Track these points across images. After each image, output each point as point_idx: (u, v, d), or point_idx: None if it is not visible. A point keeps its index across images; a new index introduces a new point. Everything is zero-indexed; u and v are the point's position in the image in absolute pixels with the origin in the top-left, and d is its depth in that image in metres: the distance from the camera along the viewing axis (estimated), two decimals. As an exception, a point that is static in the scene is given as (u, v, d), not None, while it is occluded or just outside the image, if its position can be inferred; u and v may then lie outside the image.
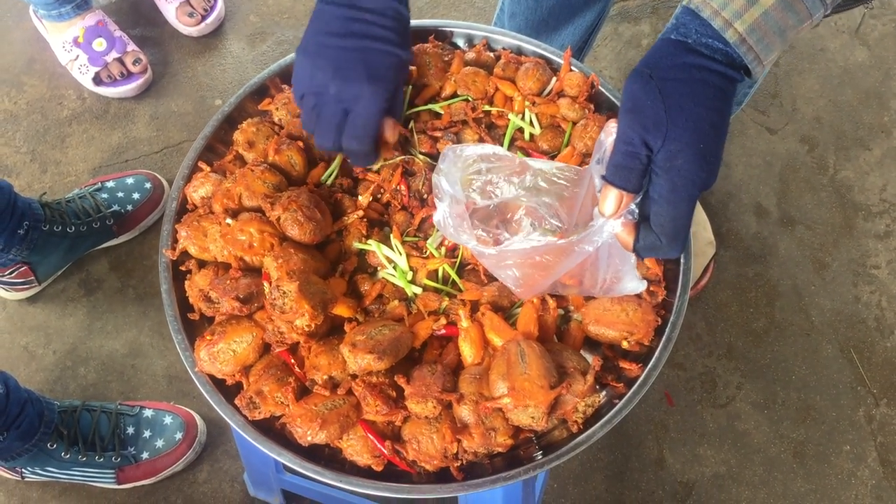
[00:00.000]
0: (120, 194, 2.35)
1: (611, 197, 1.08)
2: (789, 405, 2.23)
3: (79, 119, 2.59)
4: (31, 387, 2.08)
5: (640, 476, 2.14)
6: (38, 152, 2.54)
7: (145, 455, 2.06)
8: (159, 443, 2.07)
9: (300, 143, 1.44)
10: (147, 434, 2.08)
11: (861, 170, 2.54)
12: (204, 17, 2.70)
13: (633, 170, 1.06)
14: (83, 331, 2.29)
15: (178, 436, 2.09)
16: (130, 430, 2.07)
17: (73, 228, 2.24)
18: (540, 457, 1.26)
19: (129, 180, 2.39)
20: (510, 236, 1.27)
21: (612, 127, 1.14)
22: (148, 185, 2.39)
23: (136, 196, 2.36)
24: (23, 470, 2.01)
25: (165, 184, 2.44)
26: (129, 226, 2.37)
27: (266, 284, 1.29)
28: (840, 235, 2.44)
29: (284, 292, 1.21)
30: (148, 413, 2.11)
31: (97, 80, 2.58)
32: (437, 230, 1.42)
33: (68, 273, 2.36)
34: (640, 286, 1.29)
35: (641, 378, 1.29)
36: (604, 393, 1.33)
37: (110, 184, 2.37)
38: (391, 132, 1.31)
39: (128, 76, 2.58)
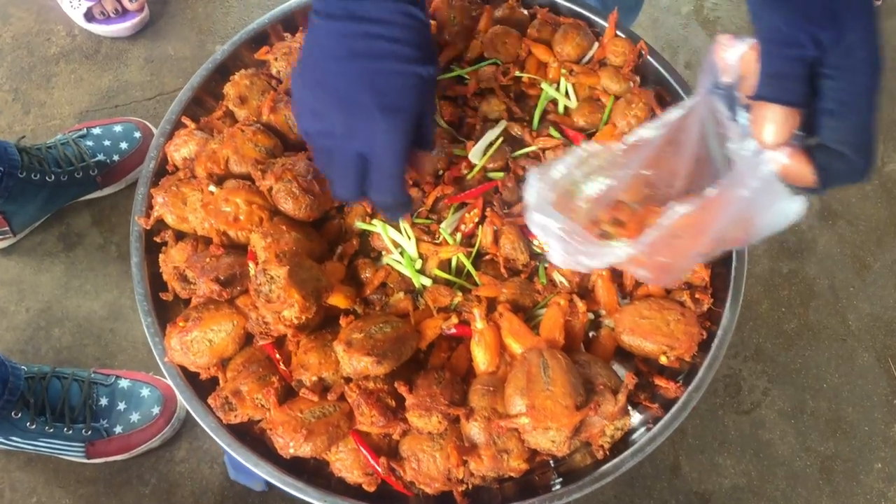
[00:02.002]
0: (106, 143, 2.16)
1: (773, 117, 0.82)
2: (818, 416, 2.06)
3: (67, 58, 2.39)
4: (0, 347, 1.91)
5: (653, 483, 1.97)
6: (22, 91, 2.34)
7: (118, 429, 1.90)
8: (134, 417, 1.90)
9: (301, 102, 1.24)
10: (122, 406, 1.91)
11: (912, 163, 2.35)
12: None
13: (797, 77, 0.81)
14: (60, 288, 2.12)
15: (156, 410, 1.92)
16: (104, 401, 1.90)
17: (53, 177, 2.05)
18: (559, 486, 1.09)
19: (118, 128, 2.19)
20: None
21: (727, 41, 0.89)
22: (137, 135, 2.20)
23: (123, 146, 2.17)
24: (-15, 438, 1.85)
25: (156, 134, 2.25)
26: (115, 177, 2.18)
27: (252, 266, 1.10)
28: (885, 233, 2.25)
29: (272, 277, 1.03)
30: (124, 384, 1.94)
31: (89, 15, 2.38)
32: (453, 212, 1.23)
33: (46, 225, 2.18)
34: (798, 205, 0.92)
35: (682, 401, 1.11)
36: (635, 414, 1.15)
37: (97, 130, 2.18)
38: (425, 168, 1.09)
39: (122, 14, 2.38)
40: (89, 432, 1.87)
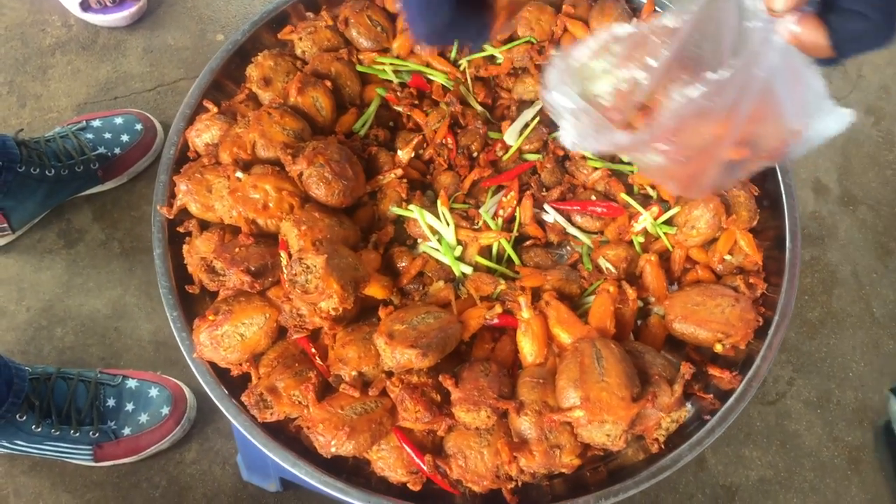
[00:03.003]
0: (107, 135, 2.09)
1: None
2: (845, 405, 2.02)
3: (63, 48, 2.32)
4: (1, 348, 1.84)
5: (679, 477, 1.92)
6: (17, 83, 2.26)
7: (127, 431, 1.83)
8: (143, 418, 1.84)
9: (328, 83, 1.19)
10: (130, 407, 1.85)
11: (932, 147, 2.31)
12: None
13: None
14: (61, 287, 2.04)
15: (165, 410, 1.85)
16: (111, 402, 1.84)
17: (53, 171, 1.98)
18: (610, 483, 1.03)
19: (118, 120, 2.12)
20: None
21: None
22: (138, 127, 2.13)
23: (124, 138, 2.10)
24: (-12, 442, 1.78)
25: (158, 126, 2.18)
26: (117, 171, 2.11)
27: (283, 255, 1.04)
28: (906, 219, 2.22)
29: (308, 267, 0.97)
30: (131, 383, 1.87)
31: (85, 5, 2.30)
32: (491, 195, 1.18)
33: (46, 221, 2.10)
34: (844, 117, 0.88)
35: (739, 391, 1.06)
36: (689, 406, 1.10)
37: (96, 123, 2.11)
38: None
39: (119, 3, 2.30)
40: (97, 434, 1.80)
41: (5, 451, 1.81)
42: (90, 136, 2.07)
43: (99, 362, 1.97)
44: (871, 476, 1.95)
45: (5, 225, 2.01)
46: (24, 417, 1.74)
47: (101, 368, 1.90)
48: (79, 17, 2.34)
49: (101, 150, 2.06)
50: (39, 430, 1.76)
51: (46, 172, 1.97)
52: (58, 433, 1.77)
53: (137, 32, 2.35)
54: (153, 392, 1.87)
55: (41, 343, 1.99)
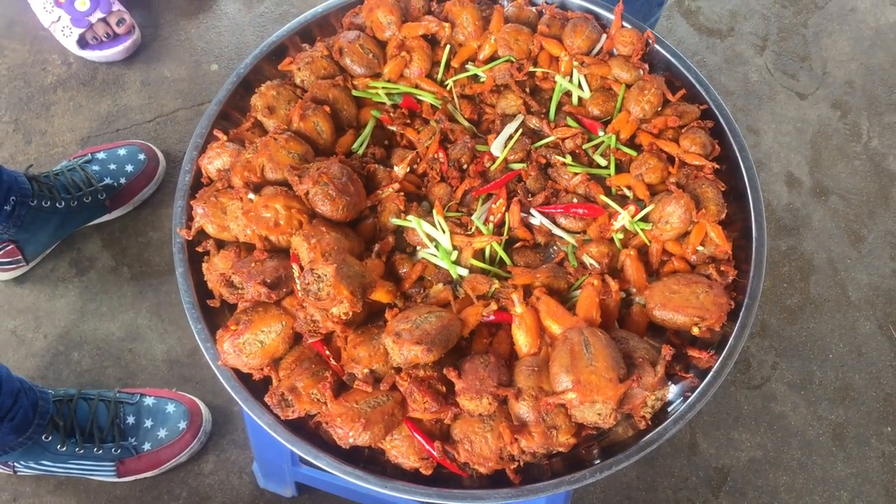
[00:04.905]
0: (112, 166, 2.18)
1: None
2: (827, 385, 2.12)
3: (64, 85, 2.42)
4: (21, 374, 1.93)
5: (673, 462, 2.03)
6: (22, 121, 2.36)
7: (147, 446, 1.92)
8: (162, 433, 1.93)
9: (326, 108, 1.29)
10: (149, 423, 1.94)
11: (896, 137, 2.43)
12: (197, -22, 2.52)
13: None
14: (75, 313, 2.14)
15: (182, 425, 1.95)
16: (131, 419, 1.93)
17: (63, 203, 2.07)
18: (603, 458, 1.13)
19: (122, 151, 2.22)
20: None
21: None
22: (142, 157, 2.23)
23: (129, 168, 2.20)
24: (15, 464, 1.87)
25: (160, 155, 2.28)
26: (123, 200, 2.21)
27: (296, 267, 1.14)
28: (876, 206, 2.33)
29: (320, 276, 1.07)
30: (149, 401, 1.96)
31: (82, 42, 2.40)
32: (481, 203, 1.28)
33: (58, 251, 2.20)
34: None
35: (715, 368, 1.17)
36: (671, 384, 1.20)
37: (101, 155, 2.21)
38: None
39: (114, 37, 2.40)
40: (119, 451, 1.89)
41: (32, 471, 1.90)
42: (96, 167, 2.17)
43: (116, 383, 2.06)
44: (855, 451, 2.06)
45: (20, 257, 2.10)
46: (50, 438, 1.83)
47: (119, 388, 1.99)
48: (77, 54, 2.44)
49: (108, 180, 2.16)
50: (64, 449, 1.85)
51: (57, 205, 2.06)
52: (82, 451, 1.86)
53: (134, 66, 2.45)
54: (170, 408, 1.96)
55: (60, 368, 2.08)
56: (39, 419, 1.80)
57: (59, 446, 1.84)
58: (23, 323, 2.12)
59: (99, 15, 2.38)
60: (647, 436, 1.13)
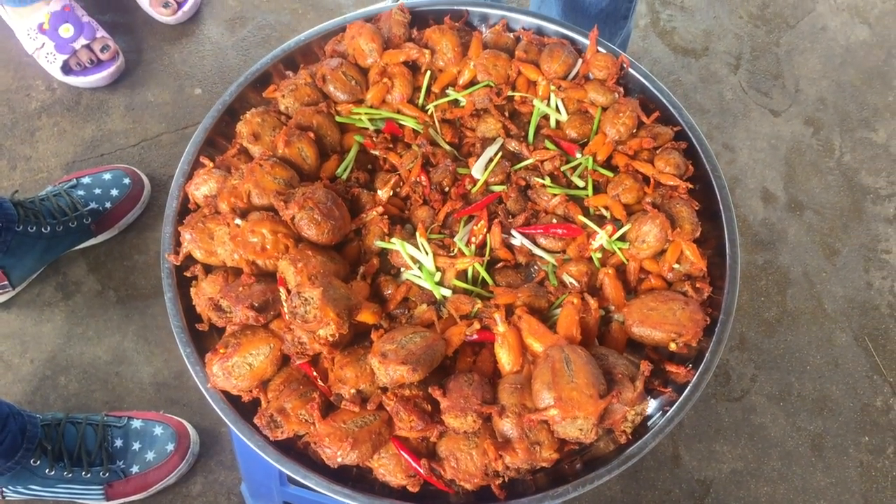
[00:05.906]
0: (97, 191, 2.20)
1: None
2: (805, 396, 2.17)
3: (49, 111, 2.43)
4: (9, 399, 1.94)
5: (656, 475, 2.06)
6: (6, 147, 2.38)
7: (135, 469, 1.93)
8: (150, 455, 1.94)
9: (311, 134, 1.32)
10: (136, 446, 1.95)
11: (867, 152, 2.48)
12: (181, 5, 2.55)
13: None
14: (62, 337, 2.15)
15: (170, 447, 1.96)
16: (118, 442, 1.94)
17: (49, 228, 2.09)
18: (586, 473, 1.16)
19: (106, 176, 2.24)
20: None
21: None
22: (126, 181, 2.25)
23: (114, 192, 2.22)
24: (3, 489, 1.87)
25: (145, 179, 2.30)
26: (108, 224, 2.23)
27: (283, 290, 1.17)
28: (849, 220, 2.38)
29: (306, 299, 1.10)
30: (136, 424, 1.98)
31: (66, 68, 2.42)
32: (463, 225, 1.31)
33: (44, 276, 2.21)
34: None
35: (693, 382, 1.20)
36: (650, 399, 1.24)
37: (86, 180, 2.22)
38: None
39: (98, 63, 2.42)
40: (107, 474, 1.90)
41: (20, 496, 1.90)
42: (81, 192, 2.19)
43: (103, 406, 2.07)
44: (834, 460, 2.10)
45: (6, 282, 2.11)
46: (38, 462, 1.84)
47: (106, 412, 2.00)
48: (61, 80, 2.45)
49: (93, 205, 2.17)
50: (52, 473, 1.86)
51: (43, 230, 2.08)
52: (70, 475, 1.87)
53: (118, 91, 2.47)
54: (157, 430, 1.97)
55: (46, 392, 2.09)
56: (28, 444, 1.81)
57: (47, 470, 1.85)
58: (9, 348, 2.13)
59: (83, 41, 2.40)
60: (628, 449, 1.16)
